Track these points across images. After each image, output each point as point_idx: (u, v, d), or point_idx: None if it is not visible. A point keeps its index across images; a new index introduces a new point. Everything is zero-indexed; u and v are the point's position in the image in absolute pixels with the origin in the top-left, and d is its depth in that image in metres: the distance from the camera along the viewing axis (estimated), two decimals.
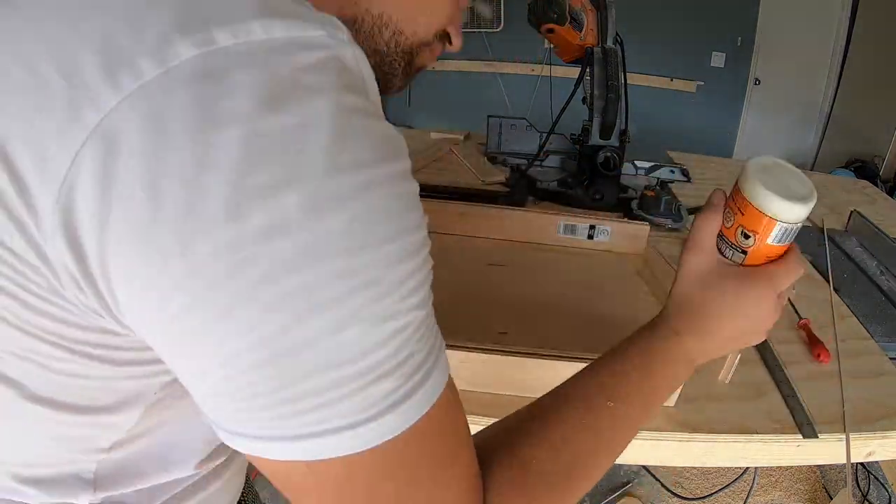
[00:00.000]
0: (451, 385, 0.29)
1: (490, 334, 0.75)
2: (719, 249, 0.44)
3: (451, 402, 0.29)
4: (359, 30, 0.35)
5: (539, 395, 0.66)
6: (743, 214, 0.41)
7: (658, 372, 0.42)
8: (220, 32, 0.20)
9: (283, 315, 0.21)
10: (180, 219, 0.20)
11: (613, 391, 0.39)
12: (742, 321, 0.42)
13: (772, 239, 0.41)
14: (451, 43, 0.42)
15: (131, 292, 0.22)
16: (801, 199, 0.40)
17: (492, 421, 0.63)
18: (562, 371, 0.64)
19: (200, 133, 0.19)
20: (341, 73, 0.23)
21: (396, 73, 0.39)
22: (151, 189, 0.19)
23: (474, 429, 0.64)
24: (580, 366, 0.63)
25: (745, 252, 0.42)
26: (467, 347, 0.63)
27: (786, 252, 0.43)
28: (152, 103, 0.20)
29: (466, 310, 0.81)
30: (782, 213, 0.39)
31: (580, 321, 0.79)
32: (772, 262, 0.43)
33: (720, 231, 0.44)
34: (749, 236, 0.41)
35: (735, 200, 0.42)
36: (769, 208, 0.39)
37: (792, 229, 0.40)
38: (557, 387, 0.42)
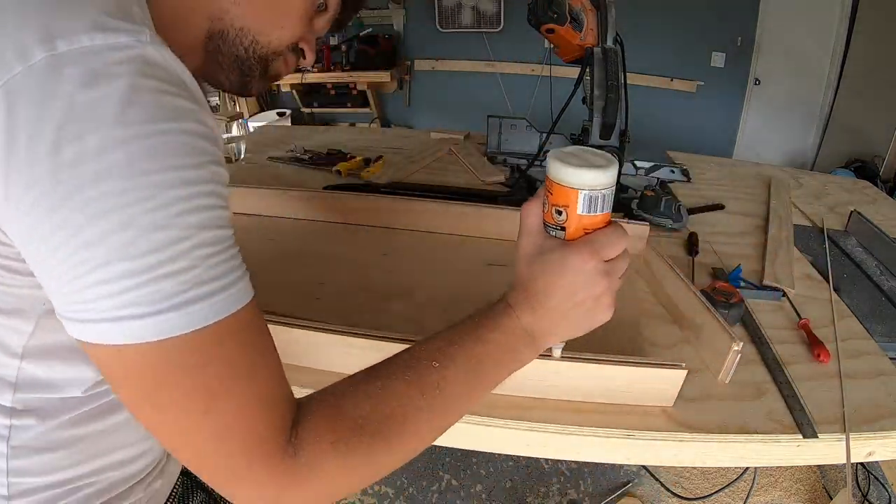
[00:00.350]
0: (251, 315, 0.36)
1: None
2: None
3: (250, 327, 0.36)
4: (225, 39, 0.45)
5: (539, 394, 0.66)
6: (552, 194, 0.45)
7: (490, 341, 0.44)
8: (61, 42, 0.31)
9: (85, 214, 0.31)
10: (27, 152, 0.30)
11: (441, 353, 0.42)
12: (569, 290, 0.44)
13: (581, 208, 0.44)
14: (304, 57, 0.53)
15: (7, 202, 0.32)
16: (598, 167, 0.44)
17: (495, 420, 0.63)
18: (563, 370, 0.64)
19: (40, 104, 0.30)
20: (142, 65, 0.32)
21: (254, 76, 0.49)
22: (9, 134, 0.30)
23: (476, 429, 0.64)
24: (581, 365, 0.63)
25: (563, 229, 0.46)
26: None
27: (608, 224, 0.46)
28: (15, 87, 0.30)
29: (466, 310, 0.81)
30: (581, 181, 0.43)
31: None
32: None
33: (543, 219, 0.47)
34: (561, 212, 0.45)
35: (546, 186, 0.46)
36: (569, 180, 0.44)
37: (598, 196, 0.44)
38: None
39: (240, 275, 0.36)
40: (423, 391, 0.40)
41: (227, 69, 0.47)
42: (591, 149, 0.46)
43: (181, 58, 0.35)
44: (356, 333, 0.64)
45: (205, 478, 0.36)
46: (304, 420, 0.37)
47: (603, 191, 0.44)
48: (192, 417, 0.34)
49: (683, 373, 0.62)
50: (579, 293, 0.44)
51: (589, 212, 0.44)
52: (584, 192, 0.44)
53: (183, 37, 0.43)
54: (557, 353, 0.58)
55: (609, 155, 0.45)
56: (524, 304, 0.45)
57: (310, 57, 0.52)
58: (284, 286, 0.86)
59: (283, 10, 0.46)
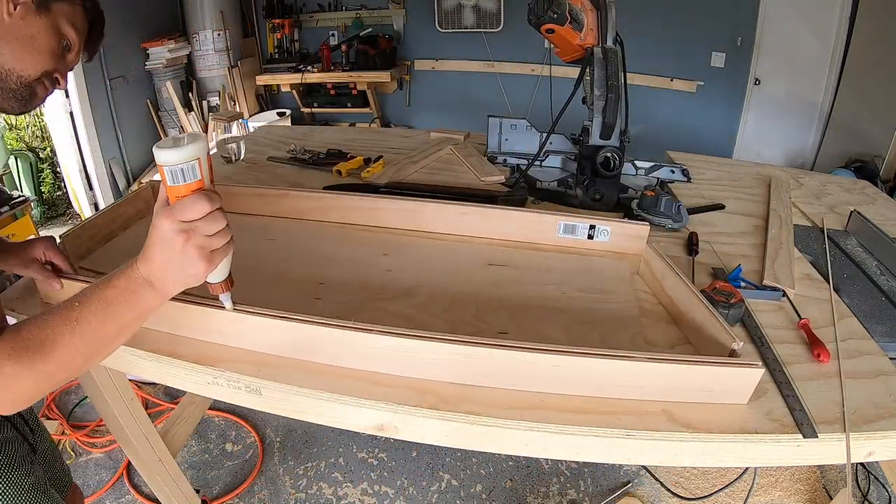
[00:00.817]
0: None
1: (490, 334, 0.75)
2: None
3: None
4: (2, 79, 0.66)
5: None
6: (160, 173, 0.54)
7: (117, 286, 0.56)
8: None
9: None
10: None
11: (83, 295, 0.56)
12: (161, 244, 0.55)
13: (169, 181, 0.53)
14: (59, 83, 0.72)
15: None
16: (175, 147, 0.52)
17: (495, 420, 0.63)
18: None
19: None
20: None
21: (25, 100, 0.69)
22: None
23: (476, 429, 0.64)
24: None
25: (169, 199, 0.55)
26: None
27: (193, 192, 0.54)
28: None
29: (466, 309, 0.81)
30: (162, 160, 0.53)
31: (580, 321, 0.79)
32: None
33: None
34: (161, 186, 0.55)
35: None
36: (158, 160, 0.53)
37: (178, 170, 0.53)
38: None
39: None
40: (66, 322, 0.54)
41: (8, 98, 0.68)
42: (195, 133, 0.53)
43: None
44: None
45: None
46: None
47: (181, 165, 0.52)
48: None
49: (761, 371, 0.64)
50: (167, 247, 0.55)
51: (174, 183, 0.53)
52: (167, 167, 0.52)
53: None
54: (227, 304, 0.66)
55: (198, 134, 0.53)
56: (142, 258, 0.56)
57: (63, 83, 0.72)
58: (284, 286, 0.86)
59: (34, 51, 0.67)
